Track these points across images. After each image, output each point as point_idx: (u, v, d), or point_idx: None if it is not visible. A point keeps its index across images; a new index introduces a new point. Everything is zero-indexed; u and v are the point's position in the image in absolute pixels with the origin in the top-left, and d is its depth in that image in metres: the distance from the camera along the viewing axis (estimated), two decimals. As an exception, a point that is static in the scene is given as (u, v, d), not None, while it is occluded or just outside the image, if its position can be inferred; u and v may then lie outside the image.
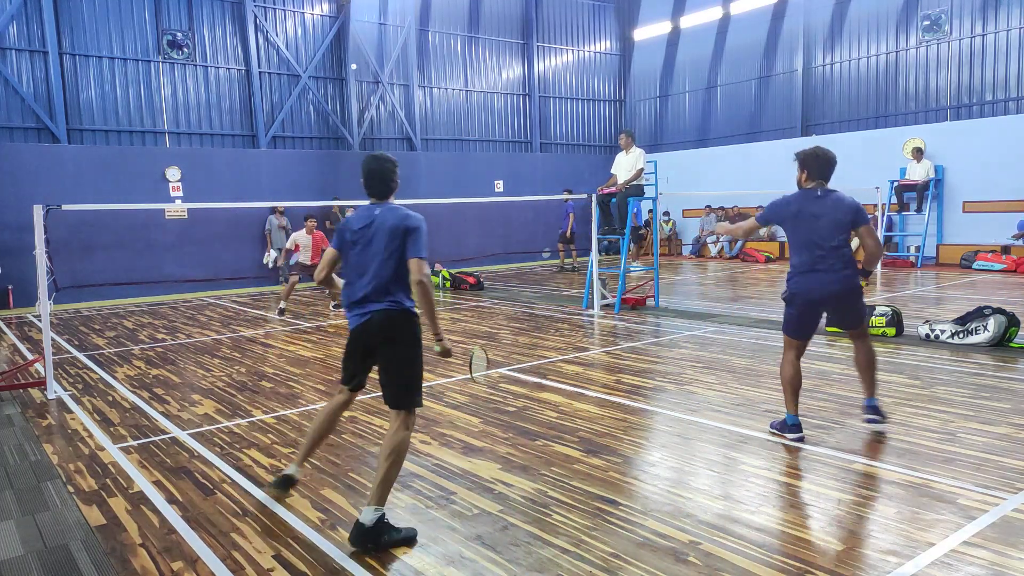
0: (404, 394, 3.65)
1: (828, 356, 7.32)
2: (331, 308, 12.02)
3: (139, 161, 14.73)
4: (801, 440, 4.75)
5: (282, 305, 11.63)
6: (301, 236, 11.66)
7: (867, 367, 4.91)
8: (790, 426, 4.81)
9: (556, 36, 21.79)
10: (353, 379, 3.90)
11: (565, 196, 15.19)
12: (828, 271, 4.65)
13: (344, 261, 3.83)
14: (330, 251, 3.92)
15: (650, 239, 18.28)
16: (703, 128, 21.60)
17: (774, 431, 4.94)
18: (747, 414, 5.42)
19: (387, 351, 3.68)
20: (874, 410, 4.86)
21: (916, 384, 6.10)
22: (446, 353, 3.71)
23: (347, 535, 3.58)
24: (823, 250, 4.64)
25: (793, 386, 4.82)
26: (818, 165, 4.75)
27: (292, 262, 12.47)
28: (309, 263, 11.67)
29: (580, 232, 18.11)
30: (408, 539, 3.51)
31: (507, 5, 20.70)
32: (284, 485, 4.09)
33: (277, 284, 16.25)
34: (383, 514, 3.49)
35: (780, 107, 19.71)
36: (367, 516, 3.46)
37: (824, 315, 5.04)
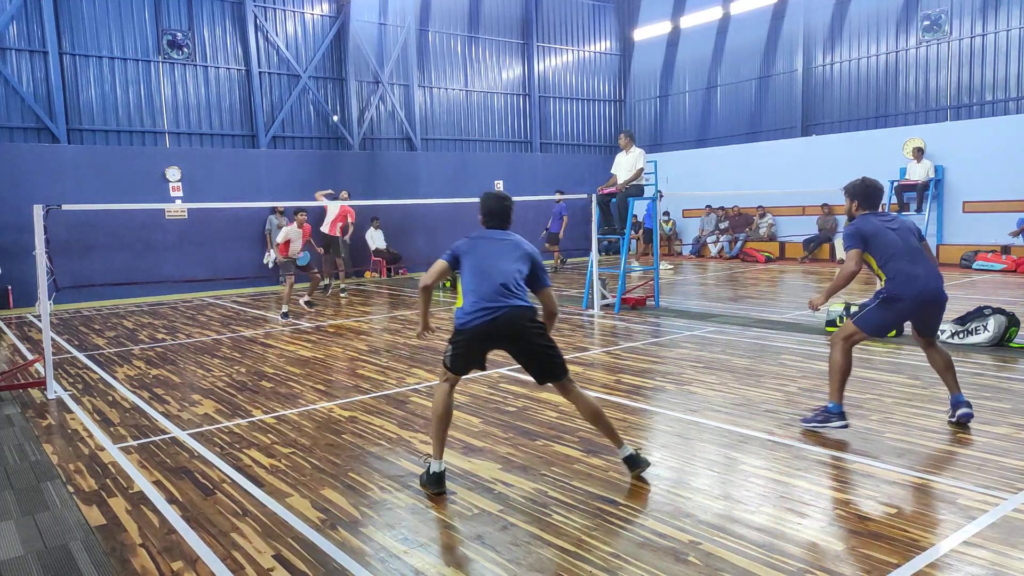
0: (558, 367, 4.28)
1: (828, 356, 7.30)
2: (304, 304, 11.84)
3: (139, 161, 14.73)
4: (846, 427, 4.92)
5: (284, 308, 11.54)
6: (292, 230, 11.57)
7: (946, 368, 5.10)
8: (834, 414, 4.95)
9: (556, 36, 21.79)
10: (467, 367, 4.30)
11: (558, 197, 15.19)
12: (929, 273, 4.93)
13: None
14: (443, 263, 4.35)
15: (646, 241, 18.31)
16: (703, 128, 21.59)
17: (812, 425, 5.00)
18: (747, 414, 5.42)
19: (526, 347, 4.27)
20: (966, 404, 5.02)
21: (916, 384, 6.10)
22: None
23: (347, 535, 3.59)
24: (917, 254, 4.94)
25: (848, 372, 5.02)
26: (866, 195, 5.11)
27: (276, 259, 12.58)
28: (297, 255, 11.64)
29: (580, 232, 18.09)
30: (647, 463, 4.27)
31: (507, 5, 20.70)
32: (440, 484, 4.10)
33: (277, 284, 16.26)
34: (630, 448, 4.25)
35: (780, 107, 19.70)
36: (627, 451, 4.24)
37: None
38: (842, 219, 17.68)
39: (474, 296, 4.16)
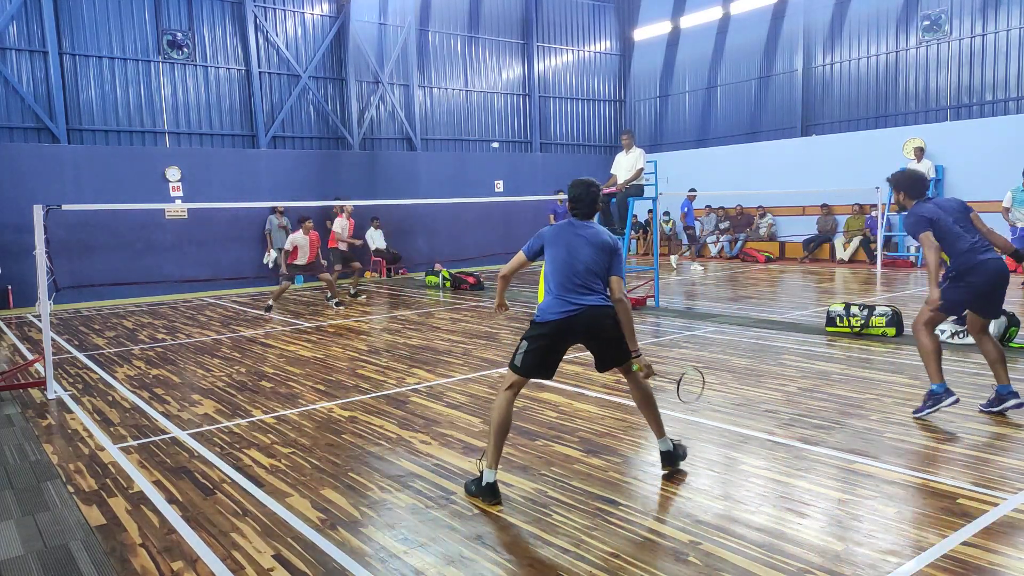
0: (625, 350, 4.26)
1: (828, 356, 7.32)
2: (332, 304, 12.13)
3: (139, 161, 14.73)
4: (957, 402, 5.07)
5: (270, 303, 11.79)
6: (299, 238, 11.67)
7: (998, 359, 5.18)
8: (941, 394, 5.07)
9: (556, 36, 21.79)
10: (545, 370, 4.24)
11: (560, 197, 15.19)
12: (993, 254, 5.09)
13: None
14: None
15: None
16: (703, 128, 21.59)
17: (926, 413, 5.12)
18: (747, 414, 5.42)
19: (600, 339, 4.24)
20: (1015, 395, 5.12)
21: (916, 384, 6.09)
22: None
23: (347, 535, 3.60)
24: (976, 237, 5.08)
25: (940, 352, 5.16)
26: (912, 184, 5.30)
27: (280, 267, 12.63)
28: (306, 263, 11.80)
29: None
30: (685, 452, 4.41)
31: (507, 5, 20.70)
32: (494, 494, 3.98)
33: (277, 284, 16.25)
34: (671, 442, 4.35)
35: (780, 107, 19.70)
36: (667, 445, 4.32)
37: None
38: (842, 219, 17.71)
39: (556, 290, 4.15)
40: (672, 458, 4.31)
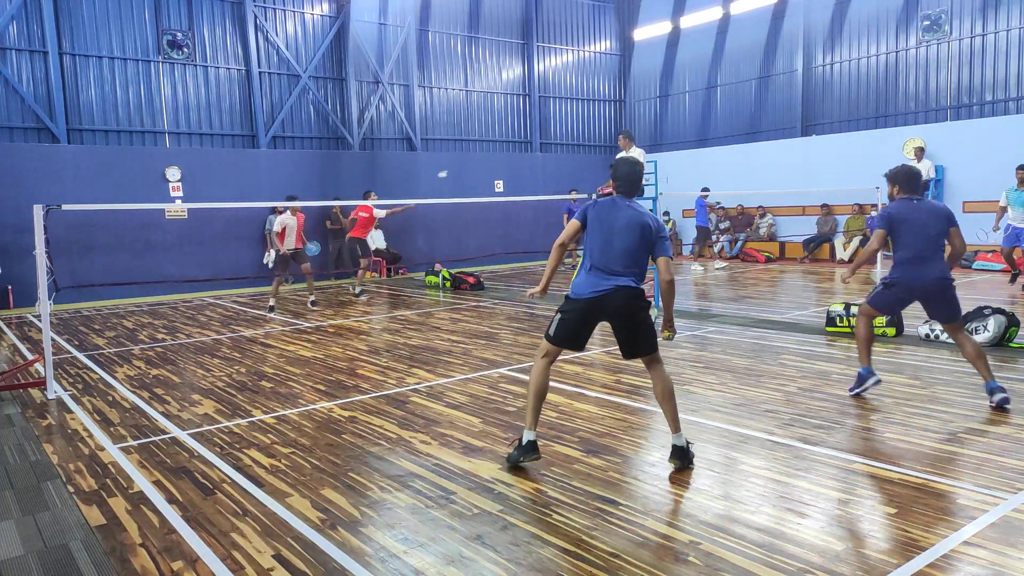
0: (653, 342, 4.43)
1: (828, 356, 7.32)
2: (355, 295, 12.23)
3: (139, 161, 14.73)
4: (879, 382, 5.66)
5: (271, 303, 11.91)
6: (287, 218, 11.73)
7: (977, 357, 5.39)
8: (866, 376, 5.63)
9: (556, 36, 21.79)
10: (577, 342, 4.45)
11: (573, 196, 15.18)
12: (931, 263, 5.40)
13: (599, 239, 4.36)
14: (575, 223, 4.46)
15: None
16: (703, 128, 21.59)
17: (854, 392, 5.69)
18: (747, 414, 5.42)
19: (629, 323, 4.36)
20: (1000, 389, 5.32)
21: (916, 384, 6.10)
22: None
23: (347, 535, 3.60)
24: (931, 243, 5.39)
25: (871, 341, 5.72)
26: (907, 180, 5.54)
27: (275, 255, 12.70)
28: (294, 247, 11.86)
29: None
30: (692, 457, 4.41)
31: (507, 5, 20.70)
32: (534, 450, 4.36)
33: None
34: (684, 438, 4.40)
35: (780, 107, 19.70)
36: (680, 440, 4.35)
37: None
38: (842, 219, 17.71)
39: (592, 267, 4.35)
40: (683, 453, 4.34)
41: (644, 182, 10.90)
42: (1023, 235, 11.41)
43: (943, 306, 5.45)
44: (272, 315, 11.65)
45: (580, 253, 19.44)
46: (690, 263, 18.21)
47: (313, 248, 12.17)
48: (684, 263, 18.75)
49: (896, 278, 5.47)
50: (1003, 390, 5.30)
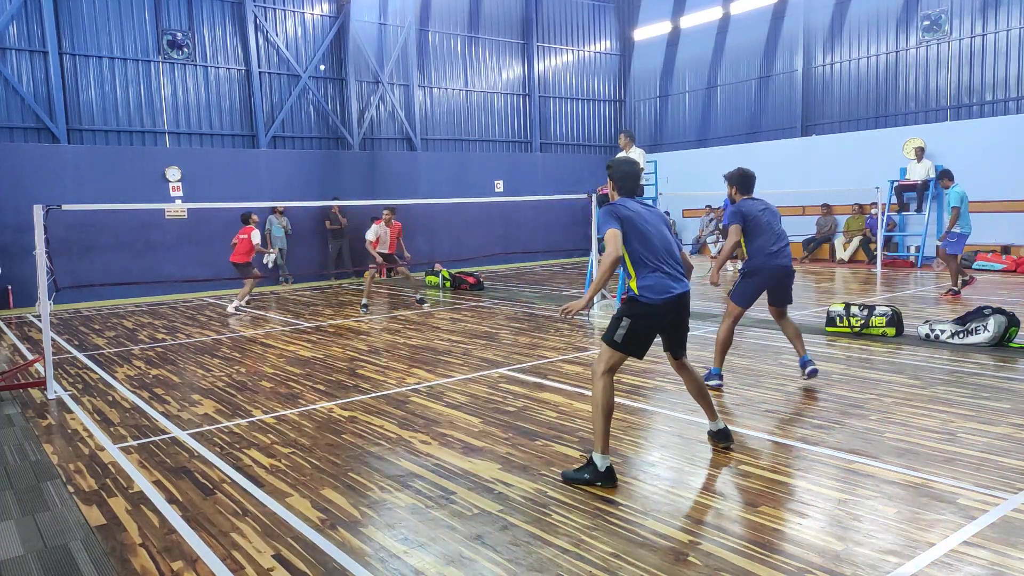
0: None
1: (828, 356, 7.32)
2: (361, 310, 11.99)
3: (139, 161, 14.73)
4: (720, 388, 6.15)
5: (237, 302, 12.30)
6: (380, 229, 12.05)
7: (796, 336, 6.27)
8: (715, 376, 6.20)
9: (556, 36, 21.79)
10: (644, 349, 4.30)
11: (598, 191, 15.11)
12: (783, 251, 6.08)
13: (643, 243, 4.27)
14: (616, 231, 4.17)
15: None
16: (703, 128, 21.59)
17: (710, 384, 6.10)
18: (747, 414, 5.42)
19: (683, 320, 4.47)
20: (811, 362, 6.21)
21: (916, 384, 6.10)
22: None
23: (347, 535, 3.60)
24: (780, 236, 6.09)
25: (726, 346, 6.26)
26: (742, 181, 6.39)
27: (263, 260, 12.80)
28: (387, 251, 12.33)
29: (580, 232, 18.07)
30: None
31: (507, 5, 20.70)
32: (613, 478, 4.14)
33: (277, 284, 16.27)
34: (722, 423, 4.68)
35: (780, 107, 19.70)
36: (720, 425, 4.66)
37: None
38: (842, 219, 17.71)
39: (659, 269, 4.23)
40: (724, 435, 4.64)
41: (644, 182, 11.00)
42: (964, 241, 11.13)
43: (786, 292, 6.19)
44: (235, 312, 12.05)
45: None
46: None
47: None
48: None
49: (756, 267, 6.03)
50: (813, 363, 6.17)
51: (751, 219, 6.04)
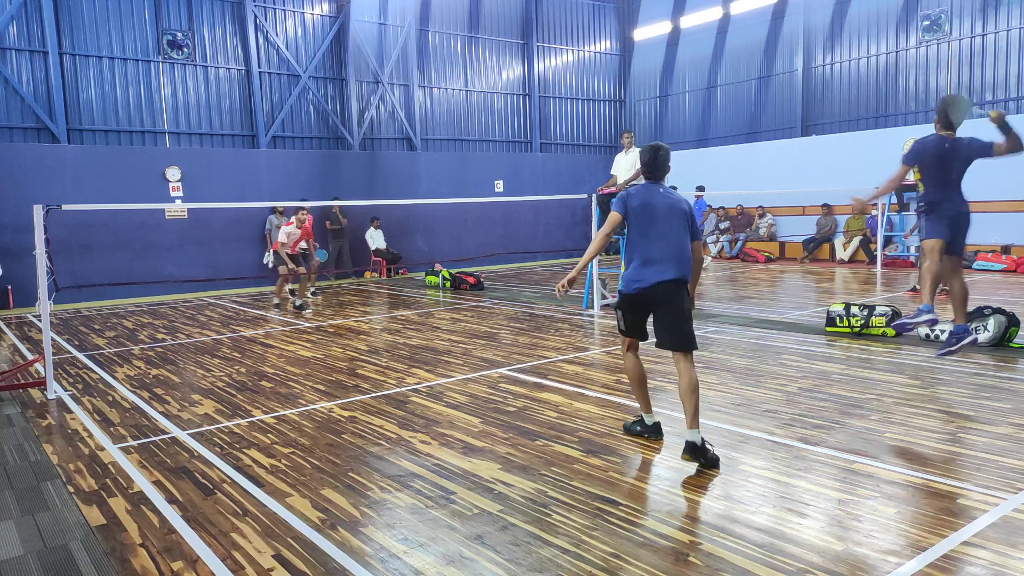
0: (689, 339, 4.47)
1: (828, 356, 7.32)
2: (292, 307, 12.27)
3: (139, 161, 14.73)
4: (934, 324, 6.19)
5: (299, 301, 12.29)
6: (292, 230, 12.14)
7: (961, 299, 6.13)
8: (927, 311, 5.98)
9: (556, 36, 21.79)
10: (642, 332, 4.72)
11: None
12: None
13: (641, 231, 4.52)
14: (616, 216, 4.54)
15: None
16: (703, 128, 21.59)
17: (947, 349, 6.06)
18: (747, 414, 5.42)
19: (667, 310, 4.49)
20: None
21: (916, 384, 6.10)
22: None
23: (347, 535, 3.60)
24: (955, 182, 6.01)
25: (936, 282, 6.08)
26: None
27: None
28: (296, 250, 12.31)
29: (580, 232, 18.09)
30: (716, 459, 4.35)
31: (507, 5, 20.70)
32: (659, 431, 4.87)
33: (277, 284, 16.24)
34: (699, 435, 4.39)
35: (780, 107, 19.70)
36: (695, 437, 4.32)
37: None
38: (842, 219, 17.71)
39: (646, 262, 4.46)
40: (695, 450, 4.29)
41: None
42: None
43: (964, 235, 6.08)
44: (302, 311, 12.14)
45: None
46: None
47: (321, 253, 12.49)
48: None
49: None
50: (970, 332, 5.96)
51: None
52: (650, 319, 4.64)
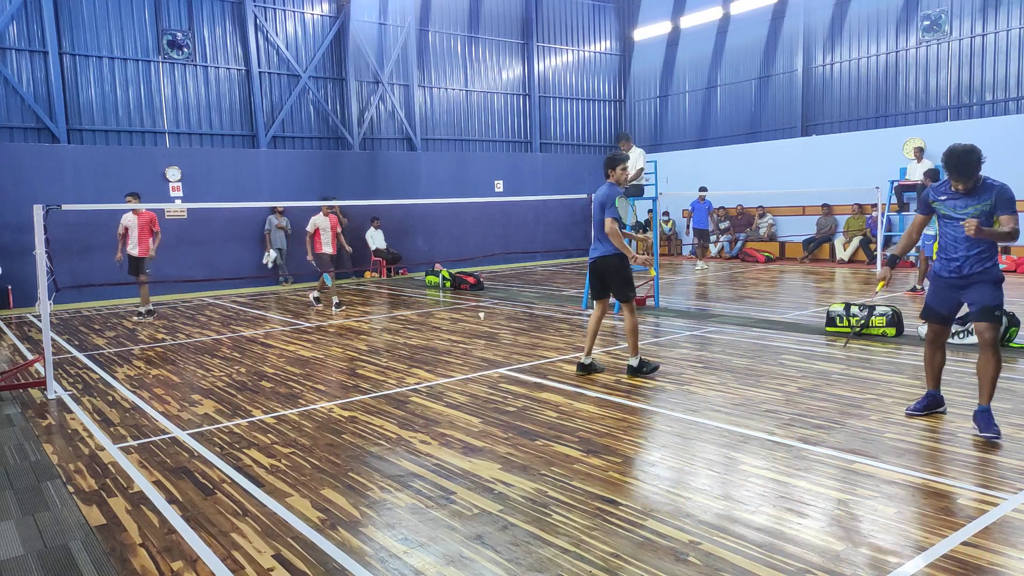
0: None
1: (828, 356, 7.32)
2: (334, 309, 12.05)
3: (139, 161, 14.73)
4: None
5: (336, 299, 12.38)
6: (320, 219, 12.03)
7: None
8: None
9: (556, 36, 21.79)
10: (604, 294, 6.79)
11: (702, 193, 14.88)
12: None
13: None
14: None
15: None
16: (703, 128, 21.59)
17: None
18: (747, 414, 5.42)
19: (605, 278, 6.76)
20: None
21: (916, 384, 6.10)
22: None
23: (347, 535, 3.60)
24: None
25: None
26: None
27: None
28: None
29: (580, 232, 18.06)
30: (655, 367, 6.64)
31: (507, 5, 20.70)
32: (589, 369, 6.67)
33: (276, 284, 16.26)
34: (639, 360, 6.60)
35: (780, 107, 19.70)
36: (634, 362, 6.58)
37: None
38: (842, 219, 17.71)
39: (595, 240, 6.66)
40: (634, 371, 6.43)
41: (644, 182, 11.00)
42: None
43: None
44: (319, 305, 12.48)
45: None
46: (692, 263, 18.19)
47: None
48: (685, 263, 18.73)
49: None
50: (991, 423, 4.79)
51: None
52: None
